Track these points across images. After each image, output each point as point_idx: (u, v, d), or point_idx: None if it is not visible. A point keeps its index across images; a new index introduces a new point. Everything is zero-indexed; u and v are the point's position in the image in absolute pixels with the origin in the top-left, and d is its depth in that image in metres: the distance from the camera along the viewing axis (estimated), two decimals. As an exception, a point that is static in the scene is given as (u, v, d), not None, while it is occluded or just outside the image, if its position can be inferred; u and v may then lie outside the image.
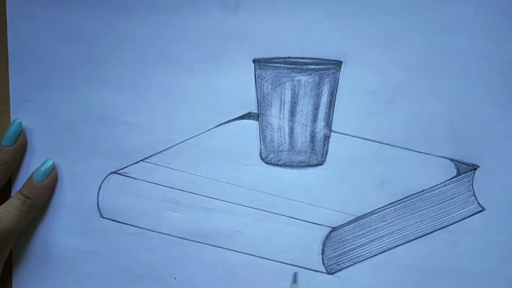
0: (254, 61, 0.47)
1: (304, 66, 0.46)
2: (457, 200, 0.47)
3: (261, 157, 0.48)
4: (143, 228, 0.48)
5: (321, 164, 0.47)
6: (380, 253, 0.47)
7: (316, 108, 0.47)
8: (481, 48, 0.46)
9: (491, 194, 0.47)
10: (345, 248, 0.47)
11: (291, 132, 0.47)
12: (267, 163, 0.48)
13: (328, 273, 0.47)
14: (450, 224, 0.47)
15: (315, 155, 0.47)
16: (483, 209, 0.47)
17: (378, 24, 0.46)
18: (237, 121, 0.48)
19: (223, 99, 0.47)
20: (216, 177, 0.48)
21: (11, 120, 0.48)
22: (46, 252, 0.48)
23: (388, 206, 0.47)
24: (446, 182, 0.47)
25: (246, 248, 0.47)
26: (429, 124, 0.47)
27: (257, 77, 0.47)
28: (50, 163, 0.47)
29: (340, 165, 0.47)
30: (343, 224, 0.46)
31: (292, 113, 0.47)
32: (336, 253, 0.47)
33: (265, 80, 0.47)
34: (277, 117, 0.47)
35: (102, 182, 0.48)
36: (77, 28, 0.47)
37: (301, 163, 0.47)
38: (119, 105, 0.48)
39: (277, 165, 0.48)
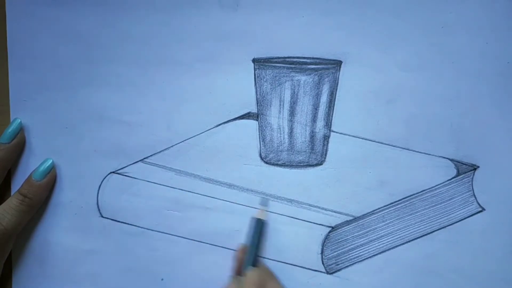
0: (254, 60, 0.47)
1: (304, 66, 0.46)
2: (457, 200, 0.47)
3: (260, 157, 0.48)
4: (143, 228, 0.48)
5: (321, 164, 0.47)
6: (380, 253, 0.47)
7: (315, 108, 0.47)
8: (481, 48, 0.46)
9: (491, 194, 0.47)
10: (344, 248, 0.47)
11: (291, 132, 0.47)
12: (266, 163, 0.48)
13: (328, 273, 0.47)
14: (450, 224, 0.47)
15: (315, 155, 0.47)
16: (483, 209, 0.47)
17: (378, 24, 0.46)
18: (237, 121, 0.48)
19: (223, 99, 0.47)
20: (216, 177, 0.48)
21: (11, 120, 0.48)
22: (46, 251, 0.48)
23: (387, 206, 0.47)
24: (446, 182, 0.47)
25: (246, 247, 0.47)
26: (429, 124, 0.47)
27: (256, 77, 0.47)
28: (49, 162, 0.47)
29: (340, 165, 0.47)
30: (343, 224, 0.46)
31: (292, 113, 0.47)
32: (335, 253, 0.47)
33: (264, 80, 0.47)
34: (276, 117, 0.47)
35: (102, 181, 0.48)
36: (76, 28, 0.47)
37: (301, 163, 0.47)
38: (119, 105, 0.48)
39: (276, 165, 0.48)
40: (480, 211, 0.47)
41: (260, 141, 0.48)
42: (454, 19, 0.46)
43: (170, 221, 0.48)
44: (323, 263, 0.47)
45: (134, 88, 0.48)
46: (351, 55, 0.47)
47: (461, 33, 0.46)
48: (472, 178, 0.47)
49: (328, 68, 0.46)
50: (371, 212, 0.47)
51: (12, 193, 0.48)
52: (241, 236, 0.47)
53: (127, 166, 0.48)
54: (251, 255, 0.44)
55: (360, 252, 0.47)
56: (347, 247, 0.47)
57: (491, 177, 0.47)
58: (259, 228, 0.45)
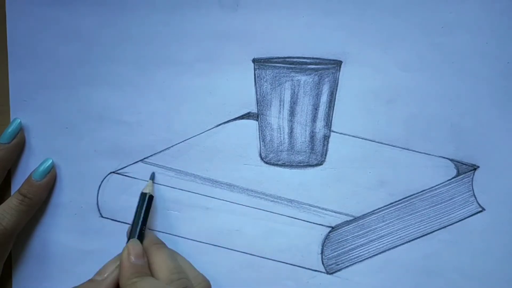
0: (254, 60, 0.47)
1: (304, 66, 0.46)
2: (457, 200, 0.47)
3: (260, 157, 0.48)
4: (143, 228, 0.48)
5: (321, 164, 0.47)
6: (380, 253, 0.47)
7: (315, 108, 0.47)
8: (481, 48, 0.46)
9: (491, 194, 0.47)
10: (344, 248, 0.47)
11: (291, 132, 0.47)
12: (266, 163, 0.48)
13: (328, 273, 0.47)
14: (450, 224, 0.47)
15: (315, 155, 0.47)
16: (483, 209, 0.47)
17: (378, 24, 0.46)
18: (237, 121, 0.48)
19: (223, 99, 0.47)
20: (216, 177, 0.48)
21: (11, 120, 0.48)
22: (46, 251, 0.48)
23: (387, 206, 0.47)
24: (446, 182, 0.47)
25: (246, 247, 0.47)
26: (429, 124, 0.47)
27: (256, 77, 0.47)
28: (49, 162, 0.47)
29: (340, 165, 0.47)
30: (343, 224, 0.46)
31: (292, 113, 0.47)
32: (335, 253, 0.47)
33: (264, 80, 0.47)
34: (276, 117, 0.47)
35: (102, 181, 0.48)
36: (76, 28, 0.47)
37: (301, 163, 0.47)
38: (118, 105, 0.48)
39: (276, 165, 0.48)
40: (480, 211, 0.47)
41: (260, 141, 0.48)
42: (454, 19, 0.46)
43: (170, 221, 0.48)
44: (323, 263, 0.47)
45: (134, 88, 0.48)
46: (351, 55, 0.47)
47: (461, 33, 0.46)
48: (472, 178, 0.47)
49: (328, 68, 0.46)
50: (371, 212, 0.47)
51: (12, 193, 0.48)
52: (241, 236, 0.47)
53: (127, 166, 0.48)
54: (135, 228, 0.44)
55: (360, 252, 0.47)
56: (347, 247, 0.47)
57: (491, 177, 0.47)
58: (143, 202, 0.45)
